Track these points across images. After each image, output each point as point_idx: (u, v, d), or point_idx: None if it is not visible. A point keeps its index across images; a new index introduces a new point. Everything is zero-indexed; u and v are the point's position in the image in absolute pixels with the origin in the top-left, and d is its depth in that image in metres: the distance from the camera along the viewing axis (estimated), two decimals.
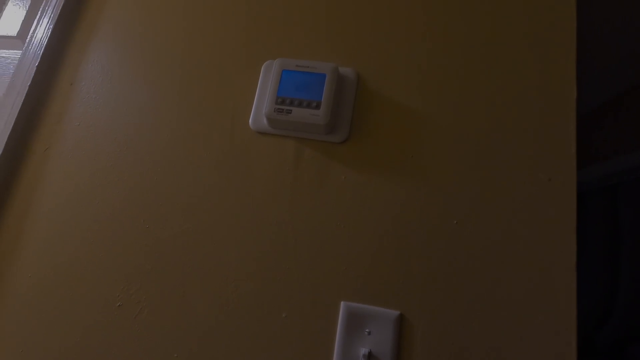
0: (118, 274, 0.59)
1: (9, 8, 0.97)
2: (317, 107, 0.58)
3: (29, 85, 0.68)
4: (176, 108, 0.67)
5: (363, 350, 0.51)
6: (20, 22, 0.93)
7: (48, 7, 0.76)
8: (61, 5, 0.74)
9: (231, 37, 0.69)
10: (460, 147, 0.59)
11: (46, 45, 0.72)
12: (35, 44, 0.73)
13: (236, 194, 0.61)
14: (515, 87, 0.60)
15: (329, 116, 0.58)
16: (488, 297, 0.53)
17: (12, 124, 0.66)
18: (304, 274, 0.56)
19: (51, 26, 0.73)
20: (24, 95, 0.68)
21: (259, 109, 0.63)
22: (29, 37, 0.75)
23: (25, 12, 0.94)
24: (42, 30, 0.74)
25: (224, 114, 0.65)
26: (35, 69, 0.69)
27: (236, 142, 0.63)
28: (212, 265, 0.58)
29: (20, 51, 0.89)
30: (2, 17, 0.97)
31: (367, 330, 0.53)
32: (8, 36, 0.92)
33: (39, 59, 0.70)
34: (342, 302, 0.55)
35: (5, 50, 0.91)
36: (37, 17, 0.75)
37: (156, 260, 0.59)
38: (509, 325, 0.51)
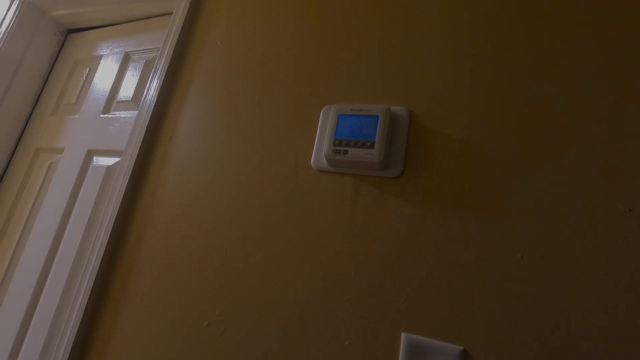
0: (205, 297, 0.70)
1: (127, 77, 1.23)
2: (372, 146, 0.63)
3: (142, 141, 0.86)
4: (250, 153, 0.77)
5: None
6: (134, 88, 1.18)
7: (154, 77, 0.95)
8: (164, 75, 0.93)
9: (294, 86, 0.79)
10: (521, 178, 0.58)
11: (153, 107, 0.91)
12: (145, 107, 0.92)
13: (300, 227, 0.68)
14: (583, 104, 0.57)
15: (383, 154, 0.62)
16: (560, 336, 0.49)
17: (130, 173, 0.84)
18: (364, 304, 0.60)
19: (157, 92, 0.92)
20: (138, 149, 0.86)
21: (319, 150, 0.71)
22: (141, 101, 0.95)
23: (137, 80, 1.19)
24: (150, 96, 0.93)
25: (289, 156, 0.74)
26: (145, 128, 0.88)
27: (300, 181, 0.71)
28: (280, 292, 0.65)
29: (134, 112, 1.13)
30: (122, 85, 1.23)
31: None
32: (125, 100, 1.18)
33: (147, 120, 0.88)
34: (402, 333, 0.56)
35: (124, 112, 1.16)
36: (147, 85, 0.95)
37: (234, 286, 0.68)
38: None
